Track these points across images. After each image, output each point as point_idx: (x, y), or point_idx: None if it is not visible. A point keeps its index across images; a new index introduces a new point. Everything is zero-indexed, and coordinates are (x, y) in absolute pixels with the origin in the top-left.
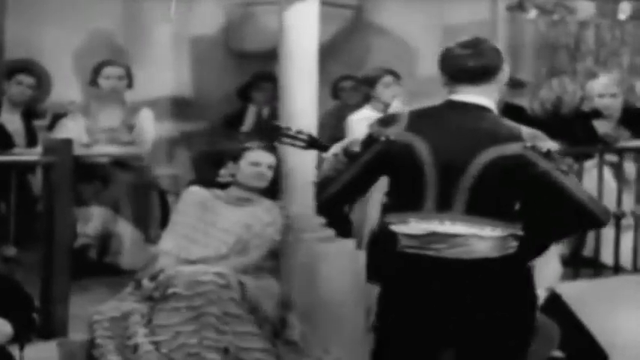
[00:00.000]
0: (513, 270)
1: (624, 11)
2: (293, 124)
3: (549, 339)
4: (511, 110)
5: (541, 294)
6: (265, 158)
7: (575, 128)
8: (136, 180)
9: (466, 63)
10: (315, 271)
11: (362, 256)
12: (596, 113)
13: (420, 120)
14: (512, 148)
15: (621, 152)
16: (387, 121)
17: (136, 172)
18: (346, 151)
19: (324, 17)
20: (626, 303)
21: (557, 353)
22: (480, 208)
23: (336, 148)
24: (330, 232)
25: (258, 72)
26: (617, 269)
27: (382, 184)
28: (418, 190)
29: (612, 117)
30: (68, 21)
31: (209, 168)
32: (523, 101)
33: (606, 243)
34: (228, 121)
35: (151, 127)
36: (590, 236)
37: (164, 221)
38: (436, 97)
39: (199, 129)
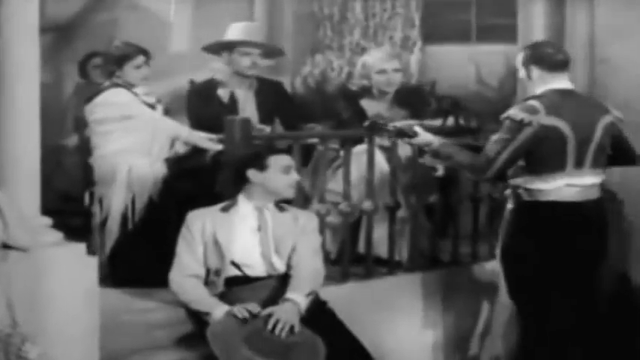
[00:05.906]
0: (601, 205)
1: None
2: (14, 108)
3: (312, 356)
4: (268, 85)
5: (300, 301)
6: None
7: (340, 108)
8: None
9: (559, 57)
10: (38, 281)
11: (94, 263)
12: (365, 92)
13: (553, 106)
14: (609, 118)
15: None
16: (531, 110)
17: None
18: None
19: None
20: (403, 307)
21: None
22: (597, 163)
23: (425, 136)
24: (57, 235)
25: None
26: (392, 266)
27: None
28: (562, 156)
29: (384, 96)
30: None
31: None
32: (284, 79)
33: (381, 237)
34: None
35: None
36: (362, 230)
37: None
38: (185, 74)
39: None
